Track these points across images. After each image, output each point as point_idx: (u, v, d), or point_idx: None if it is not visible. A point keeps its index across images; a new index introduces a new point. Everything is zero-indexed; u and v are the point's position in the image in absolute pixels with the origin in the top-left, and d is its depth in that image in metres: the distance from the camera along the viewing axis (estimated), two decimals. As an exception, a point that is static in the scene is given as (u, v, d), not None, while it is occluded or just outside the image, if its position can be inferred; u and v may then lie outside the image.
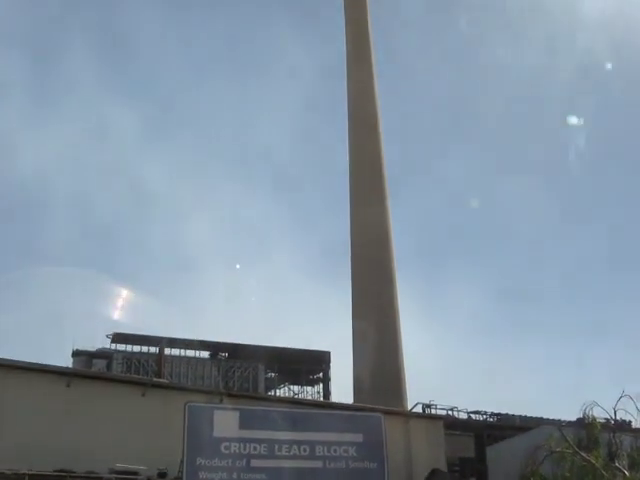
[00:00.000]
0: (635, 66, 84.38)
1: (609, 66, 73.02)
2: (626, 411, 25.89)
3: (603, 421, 26.31)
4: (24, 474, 20.75)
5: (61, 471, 21.78)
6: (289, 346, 74.44)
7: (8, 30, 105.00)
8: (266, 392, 72.52)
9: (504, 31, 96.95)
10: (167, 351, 70.89)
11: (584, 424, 26.01)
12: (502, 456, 36.94)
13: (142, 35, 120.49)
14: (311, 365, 79.10)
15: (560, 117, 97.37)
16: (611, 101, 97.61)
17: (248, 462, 20.93)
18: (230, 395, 28.60)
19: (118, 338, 70.59)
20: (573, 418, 29.12)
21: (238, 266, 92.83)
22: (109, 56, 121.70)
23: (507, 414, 60.52)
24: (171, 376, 65.00)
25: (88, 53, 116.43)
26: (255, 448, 21.21)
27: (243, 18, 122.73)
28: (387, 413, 26.14)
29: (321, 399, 75.20)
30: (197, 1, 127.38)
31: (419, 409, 49.76)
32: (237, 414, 21.80)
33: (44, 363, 25.30)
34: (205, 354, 75.78)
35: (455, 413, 57.42)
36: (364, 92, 62.99)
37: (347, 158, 63.19)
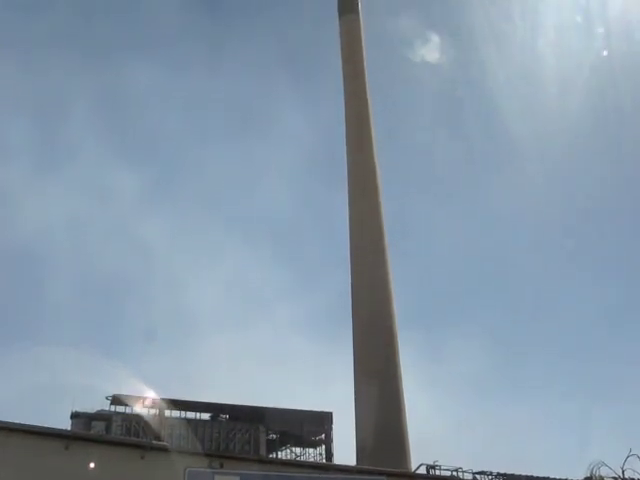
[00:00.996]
0: None
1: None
2: (634, 470, 25.56)
3: (611, 482, 26.00)
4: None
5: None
6: (290, 407, 73.67)
7: (13, 96, 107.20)
8: (268, 454, 71.41)
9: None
10: (167, 413, 70.18)
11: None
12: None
13: (144, 98, 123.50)
14: (313, 426, 78.05)
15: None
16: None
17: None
18: (231, 458, 28.29)
19: (117, 400, 69.85)
20: (580, 477, 28.73)
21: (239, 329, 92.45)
22: (112, 119, 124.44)
23: (513, 474, 59.47)
24: (171, 438, 64.08)
25: (91, 117, 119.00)
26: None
27: (244, 82, 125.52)
28: (391, 475, 25.83)
29: (324, 461, 73.99)
30: (198, 65, 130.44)
31: (423, 470, 48.95)
32: (237, 479, 21.62)
33: (43, 425, 25.12)
34: (206, 416, 74.95)
35: (460, 474, 56.44)
36: (363, 154, 63.83)
37: (347, 218, 63.72)
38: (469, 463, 57.36)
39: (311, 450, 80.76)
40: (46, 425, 26.28)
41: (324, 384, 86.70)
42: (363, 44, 69.02)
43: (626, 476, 25.92)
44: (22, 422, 24.65)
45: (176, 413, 72.06)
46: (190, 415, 73.06)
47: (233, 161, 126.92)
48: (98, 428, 66.73)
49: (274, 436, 78.00)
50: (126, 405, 71.06)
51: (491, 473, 58.62)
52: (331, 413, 77.36)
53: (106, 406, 70.53)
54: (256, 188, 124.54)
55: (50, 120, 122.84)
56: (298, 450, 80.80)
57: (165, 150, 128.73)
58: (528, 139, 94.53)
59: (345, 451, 75.59)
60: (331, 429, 78.33)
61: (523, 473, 60.13)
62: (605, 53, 65.08)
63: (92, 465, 24.82)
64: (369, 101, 66.30)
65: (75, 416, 68.07)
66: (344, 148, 66.23)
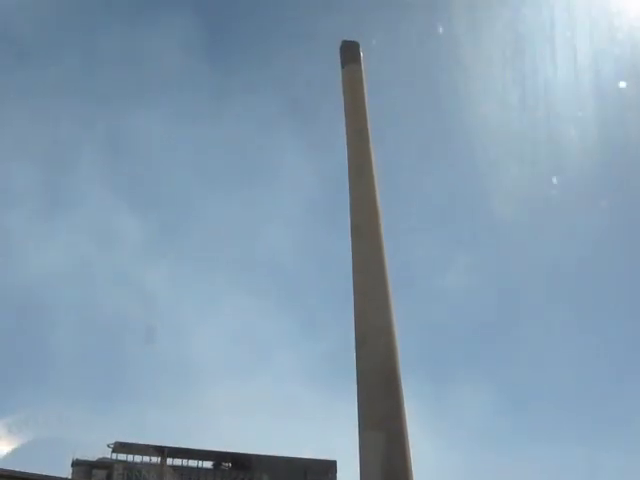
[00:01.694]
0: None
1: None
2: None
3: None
4: None
5: None
6: (294, 455, 72.92)
7: (19, 142, 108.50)
8: (271, 503, 70.55)
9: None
10: (169, 461, 69.63)
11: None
12: None
13: (148, 146, 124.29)
14: (317, 475, 76.88)
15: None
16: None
17: None
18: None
19: (119, 448, 69.28)
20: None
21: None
22: (116, 167, 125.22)
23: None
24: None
25: (95, 164, 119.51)
26: None
27: (246, 130, 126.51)
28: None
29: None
30: (202, 113, 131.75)
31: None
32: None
33: (43, 474, 24.95)
34: (208, 464, 74.18)
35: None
36: (365, 201, 64.27)
37: (350, 264, 63.83)
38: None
39: (316, 499, 79.77)
40: (46, 474, 26.07)
41: (328, 432, 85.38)
42: (365, 93, 70.14)
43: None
44: (23, 470, 24.49)
45: (178, 461, 71.41)
46: (192, 463, 72.35)
47: (236, 208, 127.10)
48: (99, 476, 66.23)
49: (278, 484, 77.13)
50: (128, 453, 70.47)
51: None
52: (335, 462, 76.23)
53: (108, 454, 70.01)
54: (259, 235, 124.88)
55: (55, 167, 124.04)
56: (302, 499, 79.81)
57: (169, 197, 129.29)
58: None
59: (350, 500, 74.44)
60: (335, 478, 77.33)
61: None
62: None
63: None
64: (371, 149, 67.19)
65: (76, 464, 67.67)
66: (346, 194, 66.74)
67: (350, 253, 64.01)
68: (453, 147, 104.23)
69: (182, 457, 71.65)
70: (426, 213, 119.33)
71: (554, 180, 73.57)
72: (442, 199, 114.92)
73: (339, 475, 76.84)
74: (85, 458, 68.70)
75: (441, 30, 71.04)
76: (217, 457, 74.00)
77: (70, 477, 66.26)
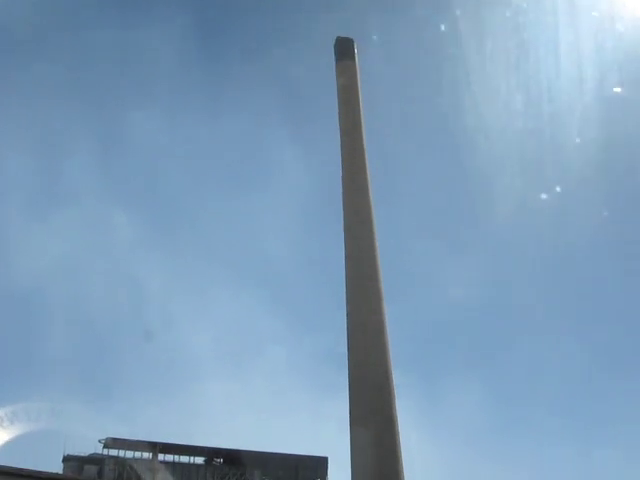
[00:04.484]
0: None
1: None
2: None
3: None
4: None
5: None
6: (286, 451, 73.03)
7: (12, 140, 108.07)
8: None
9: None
10: (161, 457, 69.65)
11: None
12: None
13: (142, 146, 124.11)
14: (308, 471, 76.98)
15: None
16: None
17: None
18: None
19: (110, 443, 69.20)
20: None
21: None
22: (110, 166, 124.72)
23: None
24: (164, 483, 63.51)
25: (90, 163, 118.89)
26: None
27: (241, 129, 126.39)
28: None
29: (319, 506, 73.17)
30: (196, 113, 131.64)
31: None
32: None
33: (34, 469, 24.91)
34: (200, 460, 74.24)
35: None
36: (358, 201, 64.27)
37: (343, 263, 63.89)
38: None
39: (306, 495, 79.91)
40: (37, 469, 26.05)
41: (319, 429, 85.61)
42: (359, 91, 70.14)
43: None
44: (13, 465, 24.43)
45: (169, 457, 71.43)
46: (184, 459, 72.38)
47: (230, 207, 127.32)
48: (90, 472, 66.17)
49: (269, 481, 77.26)
50: (119, 449, 70.41)
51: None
52: (326, 458, 76.32)
53: (99, 450, 69.92)
54: (252, 232, 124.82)
55: (49, 165, 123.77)
56: (293, 495, 79.96)
57: (162, 196, 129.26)
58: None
59: (341, 496, 74.77)
60: (326, 474, 77.38)
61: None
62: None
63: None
64: (364, 147, 67.21)
65: (67, 459, 67.58)
66: (341, 190, 66.81)
67: (343, 251, 64.23)
68: (450, 145, 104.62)
69: (174, 453, 71.67)
70: (421, 211, 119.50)
71: (555, 186, 74.13)
72: (438, 197, 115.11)
73: (330, 471, 77.10)
74: (76, 453, 68.58)
75: (443, 28, 71.08)
76: (209, 453, 74.01)
77: (61, 472, 66.22)
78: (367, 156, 65.14)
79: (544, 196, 74.27)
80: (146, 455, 69.34)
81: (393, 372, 56.97)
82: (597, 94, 62.12)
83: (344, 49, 69.63)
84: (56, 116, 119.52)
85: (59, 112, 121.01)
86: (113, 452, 70.50)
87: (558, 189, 70.70)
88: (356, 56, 68.83)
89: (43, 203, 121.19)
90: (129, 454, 70.50)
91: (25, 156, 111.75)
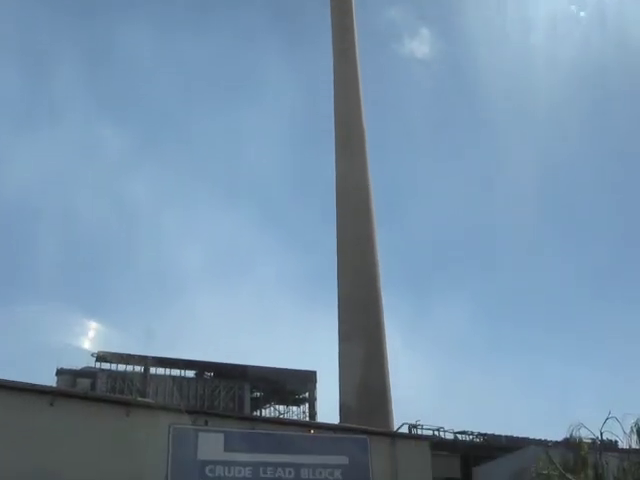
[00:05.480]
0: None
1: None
2: (612, 433, 25.82)
3: (589, 442, 26.28)
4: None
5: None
6: (275, 366, 74.16)
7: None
8: (252, 412, 72.19)
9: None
10: (152, 370, 70.57)
11: (571, 445, 25.97)
12: (489, 477, 36.93)
13: (131, 59, 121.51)
14: (297, 385, 78.52)
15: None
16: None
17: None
18: (215, 415, 28.46)
19: (103, 357, 70.04)
20: (559, 438, 29.19)
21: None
22: (98, 78, 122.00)
23: (493, 434, 60.69)
24: (156, 395, 64.54)
25: (78, 73, 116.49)
26: (240, 471, 21.28)
27: (232, 45, 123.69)
28: (373, 434, 26.25)
29: (307, 419, 74.87)
30: (186, 27, 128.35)
31: (405, 429, 49.92)
32: (222, 436, 21.87)
33: (28, 382, 25.10)
34: (191, 373, 75.35)
35: (441, 434, 57.63)
36: (350, 118, 63.42)
37: (334, 181, 63.50)
38: (451, 423, 58.43)
39: (295, 408, 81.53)
40: (31, 382, 26.25)
41: (308, 344, 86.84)
42: (354, 12, 68.31)
43: (604, 438, 26.20)
44: (6, 378, 24.57)
45: (161, 370, 72.42)
46: (175, 373, 73.38)
47: (219, 123, 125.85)
48: (83, 385, 67.11)
49: (258, 394, 78.73)
50: (111, 362, 71.32)
51: (472, 433, 59.78)
52: (315, 372, 77.64)
53: (91, 363, 70.83)
54: (242, 149, 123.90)
55: (36, 77, 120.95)
56: (282, 408, 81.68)
57: (151, 110, 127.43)
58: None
59: (328, 410, 76.68)
60: (315, 388, 78.83)
61: (503, 434, 61.19)
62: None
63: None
64: (358, 66, 65.92)
65: (60, 373, 68.44)
66: (332, 109, 65.87)
67: (335, 170, 63.71)
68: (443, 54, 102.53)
69: (165, 366, 72.56)
70: (411, 127, 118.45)
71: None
72: (429, 113, 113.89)
73: (319, 385, 78.67)
74: (69, 367, 69.40)
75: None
76: (200, 367, 75.04)
77: (54, 385, 67.20)
78: (360, 73, 63.86)
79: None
80: (138, 368, 70.17)
81: (382, 288, 57.53)
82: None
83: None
84: (42, 28, 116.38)
85: (45, 25, 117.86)
86: (105, 366, 71.46)
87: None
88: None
89: (30, 117, 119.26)
90: (121, 367, 71.50)
91: (10, 69, 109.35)
